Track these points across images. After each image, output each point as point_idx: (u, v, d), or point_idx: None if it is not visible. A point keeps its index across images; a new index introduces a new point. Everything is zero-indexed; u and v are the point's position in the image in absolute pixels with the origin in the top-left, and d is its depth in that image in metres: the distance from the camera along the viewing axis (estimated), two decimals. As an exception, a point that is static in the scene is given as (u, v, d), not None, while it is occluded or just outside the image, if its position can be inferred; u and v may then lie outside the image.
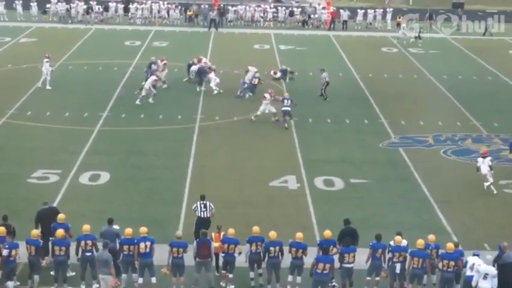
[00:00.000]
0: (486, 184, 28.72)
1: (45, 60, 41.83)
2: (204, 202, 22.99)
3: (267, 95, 36.57)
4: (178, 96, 40.66)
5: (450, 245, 20.38)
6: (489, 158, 29.26)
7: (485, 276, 19.61)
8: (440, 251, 20.68)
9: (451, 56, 55.27)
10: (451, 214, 26.39)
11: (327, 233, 21.04)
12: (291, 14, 66.41)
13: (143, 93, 39.15)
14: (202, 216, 22.75)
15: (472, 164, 31.33)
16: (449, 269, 20.06)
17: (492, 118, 37.87)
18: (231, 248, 20.77)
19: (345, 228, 22.00)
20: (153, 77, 39.93)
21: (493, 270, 19.68)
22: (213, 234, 21.31)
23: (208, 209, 22.84)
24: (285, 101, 36.36)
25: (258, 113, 36.45)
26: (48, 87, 41.48)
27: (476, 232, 24.91)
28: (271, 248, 20.61)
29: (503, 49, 58.58)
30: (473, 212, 26.82)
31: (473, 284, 19.79)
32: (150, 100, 39.13)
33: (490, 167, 28.93)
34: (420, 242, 20.42)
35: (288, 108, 36.06)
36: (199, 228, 21.76)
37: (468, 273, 20.03)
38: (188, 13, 64.56)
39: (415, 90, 43.80)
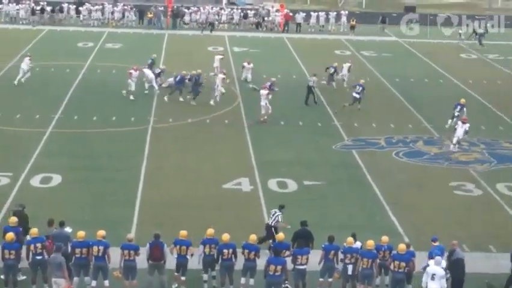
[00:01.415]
0: (453, 142, 33.35)
1: (27, 58, 42.98)
2: (275, 211, 23.37)
3: (265, 91, 37.11)
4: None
5: (402, 246, 20.54)
6: (467, 125, 33.15)
7: (433, 277, 19.75)
8: (393, 252, 20.85)
9: (403, 59, 55.79)
10: (402, 215, 26.63)
11: (280, 235, 21.07)
12: (245, 16, 66.56)
13: (217, 93, 39.74)
14: (268, 221, 23.37)
15: (423, 165, 31.84)
16: (400, 270, 20.24)
17: (443, 120, 38.24)
18: (182, 249, 20.70)
19: (300, 229, 22.13)
20: (221, 76, 40.63)
21: (440, 271, 19.79)
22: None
23: (272, 218, 23.16)
24: (357, 87, 39.54)
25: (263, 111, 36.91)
26: (15, 82, 41.92)
27: (427, 233, 25.05)
28: (225, 251, 20.57)
29: (454, 52, 59.33)
30: (424, 213, 27.07)
31: (423, 285, 19.98)
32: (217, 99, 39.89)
33: (466, 132, 33.16)
34: (370, 243, 20.56)
35: (358, 96, 39.18)
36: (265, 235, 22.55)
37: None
38: (149, 15, 64.31)
39: (368, 93, 43.96)
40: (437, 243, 21.17)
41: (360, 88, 39.47)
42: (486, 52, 58.98)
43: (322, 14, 67.00)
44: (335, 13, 67.47)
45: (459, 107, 37.01)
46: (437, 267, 19.88)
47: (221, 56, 46.70)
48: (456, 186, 29.78)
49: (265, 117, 36.78)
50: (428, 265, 20.26)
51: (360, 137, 35.49)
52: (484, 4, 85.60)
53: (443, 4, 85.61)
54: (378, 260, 20.58)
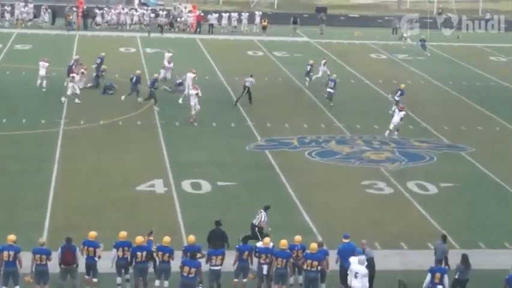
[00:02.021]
0: (390, 128, 35.74)
1: None
2: (260, 211, 23.64)
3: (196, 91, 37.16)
4: (41, 100, 39.82)
5: (313, 245, 20.72)
6: (403, 113, 35.84)
7: (356, 275, 20.00)
8: (306, 252, 21.00)
9: (315, 59, 56.13)
10: (316, 215, 26.87)
11: (190, 238, 20.95)
12: (157, 17, 66.16)
13: (186, 92, 40.09)
14: (253, 221, 23.51)
15: (335, 165, 32.26)
16: (312, 269, 20.42)
17: (355, 120, 38.87)
18: (90, 251, 20.43)
19: (215, 229, 22.15)
20: (191, 75, 40.72)
21: (362, 270, 20.01)
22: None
23: (256, 217, 23.46)
24: (330, 82, 41.35)
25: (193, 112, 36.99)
26: None
27: (340, 232, 25.30)
28: (139, 253, 20.40)
29: (365, 53, 60.25)
30: (337, 212, 27.37)
31: (348, 283, 20.23)
32: (180, 101, 40.11)
33: (401, 119, 35.64)
34: (284, 242, 20.68)
35: (332, 91, 40.84)
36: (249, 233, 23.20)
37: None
38: (69, 18, 63.10)
39: (280, 93, 44.42)
40: (347, 240, 21.46)
41: (333, 83, 41.09)
42: (396, 52, 60.04)
43: (234, 15, 67.26)
44: (248, 14, 67.76)
45: (399, 92, 40.41)
46: (360, 266, 20.09)
47: (171, 54, 46.64)
48: (368, 185, 30.22)
49: (193, 117, 36.80)
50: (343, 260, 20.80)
51: (273, 137, 35.70)
52: (393, 5, 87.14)
53: (354, 5, 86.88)
54: (292, 260, 20.72)
